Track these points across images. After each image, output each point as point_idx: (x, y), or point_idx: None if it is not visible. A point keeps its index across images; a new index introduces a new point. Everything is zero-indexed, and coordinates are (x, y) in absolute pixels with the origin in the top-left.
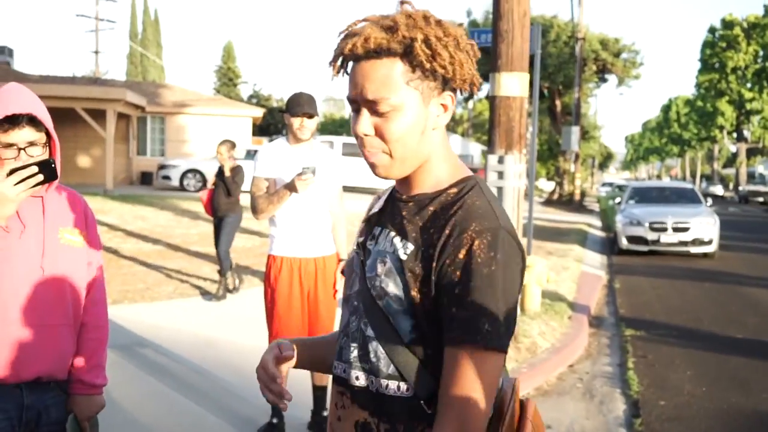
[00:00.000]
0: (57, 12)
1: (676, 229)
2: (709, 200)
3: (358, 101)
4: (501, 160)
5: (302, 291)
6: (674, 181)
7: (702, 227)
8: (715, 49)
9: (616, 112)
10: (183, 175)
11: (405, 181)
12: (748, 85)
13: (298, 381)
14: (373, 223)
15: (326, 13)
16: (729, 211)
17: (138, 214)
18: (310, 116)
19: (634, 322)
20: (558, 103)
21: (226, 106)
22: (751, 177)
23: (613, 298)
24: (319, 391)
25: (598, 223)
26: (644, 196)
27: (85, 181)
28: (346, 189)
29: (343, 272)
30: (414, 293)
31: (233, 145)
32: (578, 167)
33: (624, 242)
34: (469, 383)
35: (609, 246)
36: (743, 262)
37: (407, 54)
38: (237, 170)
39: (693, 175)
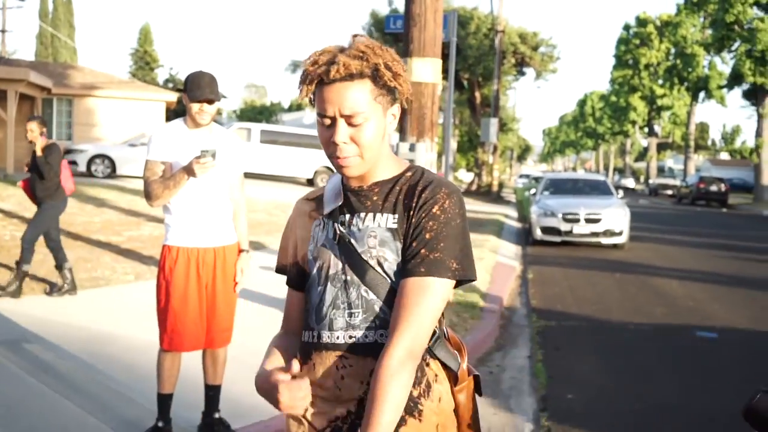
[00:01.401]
0: None
1: (588, 221)
2: (621, 192)
3: (335, 116)
4: (412, 148)
5: (200, 283)
6: (588, 173)
7: (613, 219)
8: (629, 45)
9: (533, 105)
10: (90, 161)
11: (362, 175)
12: (660, 81)
13: (188, 380)
14: (337, 214)
15: None
16: (639, 203)
17: None
18: (211, 102)
19: (546, 314)
20: (477, 94)
21: (139, 89)
22: (661, 171)
23: (525, 289)
24: (211, 391)
25: (514, 213)
26: (558, 187)
27: None
28: (265, 177)
29: (236, 264)
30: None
31: (44, 122)
32: (497, 159)
33: (538, 233)
34: (425, 309)
35: (524, 237)
36: (653, 253)
37: (374, 76)
38: (50, 149)
39: (606, 168)
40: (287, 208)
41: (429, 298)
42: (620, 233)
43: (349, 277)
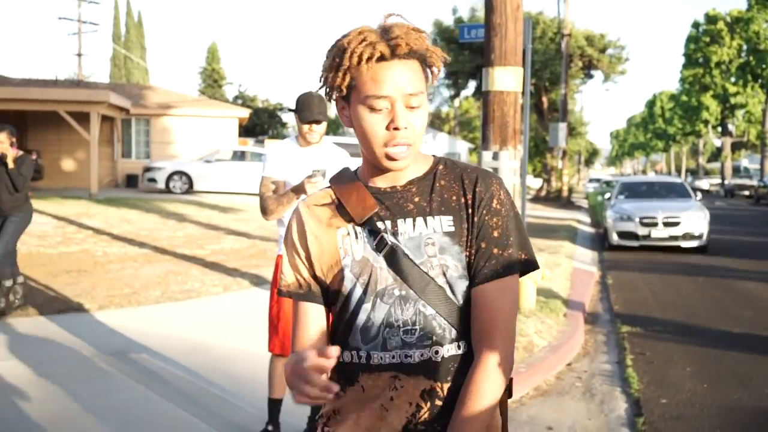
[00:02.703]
0: (39, 14)
1: (666, 224)
2: (699, 194)
3: (396, 97)
4: (496, 156)
5: None
6: (662, 175)
7: (692, 221)
8: (699, 43)
9: (601, 107)
10: (169, 177)
11: (394, 174)
12: (732, 79)
13: None
14: (374, 222)
15: (309, 14)
16: (716, 205)
17: (123, 218)
18: (319, 122)
19: (630, 319)
20: (545, 99)
21: (212, 107)
22: (736, 171)
23: (606, 294)
24: None
25: (587, 219)
26: (634, 191)
27: (70, 185)
28: None
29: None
30: (467, 252)
31: (12, 132)
32: (565, 164)
33: (615, 238)
34: (510, 309)
35: (599, 242)
36: (734, 256)
37: (424, 57)
38: (23, 160)
39: (678, 170)
40: None
41: (511, 297)
42: (700, 236)
43: (404, 292)
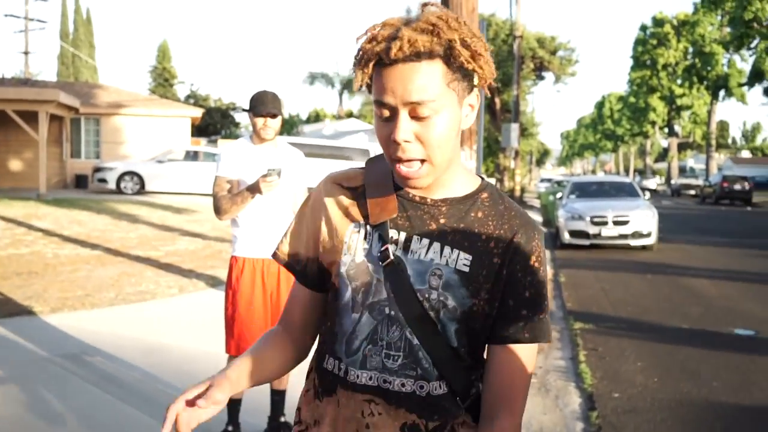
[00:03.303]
0: None
1: (616, 223)
2: (647, 194)
3: (396, 105)
4: None
5: (265, 292)
6: (611, 175)
7: (641, 220)
8: (647, 46)
9: (552, 108)
10: (120, 178)
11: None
12: (679, 81)
13: (255, 387)
14: (387, 227)
15: (262, 11)
16: (663, 204)
17: (74, 219)
18: (274, 116)
19: (582, 316)
20: (497, 100)
21: (164, 106)
22: (682, 171)
23: (559, 292)
24: (277, 396)
25: (539, 218)
26: (584, 191)
27: (18, 185)
28: None
29: None
30: (476, 301)
31: None
32: (518, 164)
33: (566, 236)
34: (530, 375)
35: (551, 240)
36: (682, 254)
37: (447, 56)
38: None
39: (627, 170)
40: None
41: (532, 363)
42: (649, 234)
43: (393, 313)
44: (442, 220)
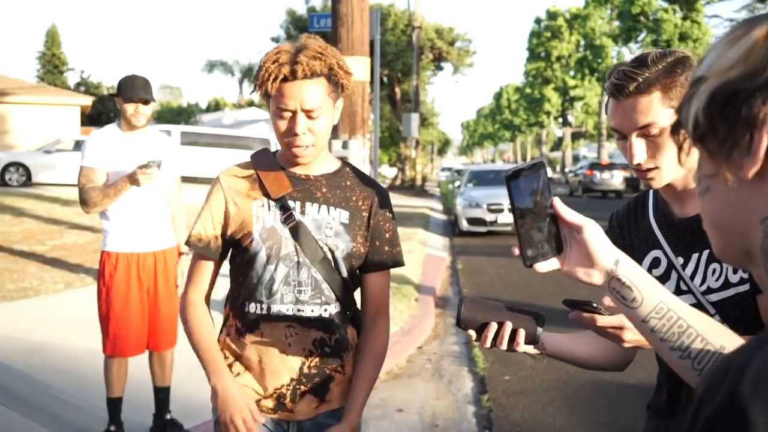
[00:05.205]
0: None
1: None
2: None
3: (296, 109)
4: (345, 145)
5: (141, 288)
6: (509, 164)
7: None
8: (541, 38)
9: (452, 99)
10: (4, 169)
11: (308, 165)
12: (571, 73)
13: (137, 383)
14: (285, 200)
15: None
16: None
17: None
18: (146, 102)
19: None
20: (397, 90)
21: (52, 94)
22: (576, 159)
23: (456, 279)
24: (161, 393)
25: (439, 206)
26: (482, 179)
27: None
28: (184, 179)
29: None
30: (355, 244)
31: None
32: (419, 153)
33: (464, 224)
34: (389, 289)
35: (450, 228)
36: None
37: (329, 74)
38: None
39: (524, 159)
40: None
41: (389, 283)
42: None
43: (301, 259)
44: (324, 189)
